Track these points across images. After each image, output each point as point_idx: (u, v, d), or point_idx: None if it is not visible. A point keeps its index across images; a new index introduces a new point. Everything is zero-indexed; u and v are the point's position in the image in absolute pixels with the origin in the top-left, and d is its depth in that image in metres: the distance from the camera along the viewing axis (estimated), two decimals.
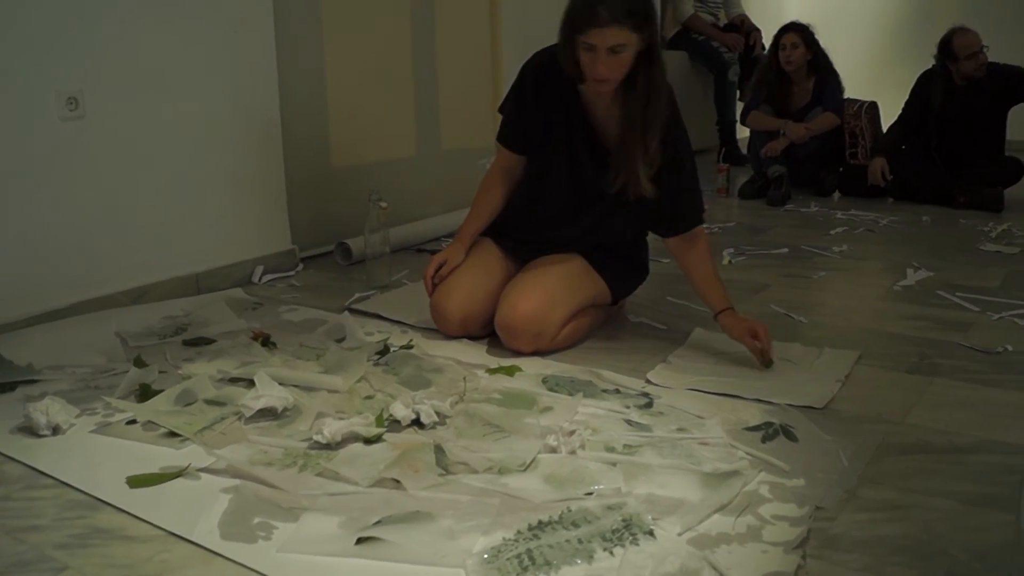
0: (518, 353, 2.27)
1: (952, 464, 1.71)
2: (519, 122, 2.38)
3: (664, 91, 2.18)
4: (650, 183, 2.20)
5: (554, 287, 2.30)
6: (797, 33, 4.75)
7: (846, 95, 4.93)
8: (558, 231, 2.41)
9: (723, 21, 6.34)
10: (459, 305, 2.37)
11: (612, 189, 2.23)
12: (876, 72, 6.88)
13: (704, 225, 2.34)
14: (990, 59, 4.48)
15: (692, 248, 2.32)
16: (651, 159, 2.19)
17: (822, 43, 4.81)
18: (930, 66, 4.68)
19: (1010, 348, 2.35)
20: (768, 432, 1.82)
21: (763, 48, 5.91)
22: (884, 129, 4.89)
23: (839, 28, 6.53)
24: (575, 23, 2.08)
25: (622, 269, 2.47)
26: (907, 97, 4.73)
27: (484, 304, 2.37)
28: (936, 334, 2.48)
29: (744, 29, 6.16)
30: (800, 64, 4.74)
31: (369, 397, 2.00)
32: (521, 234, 2.48)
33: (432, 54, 3.82)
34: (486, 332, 2.39)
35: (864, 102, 4.85)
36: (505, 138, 2.43)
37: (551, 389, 2.04)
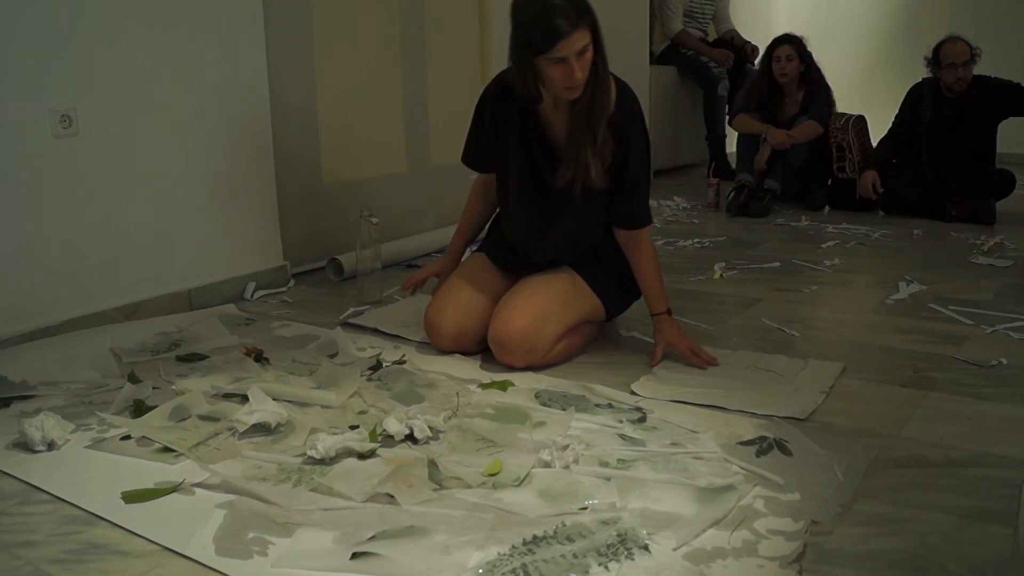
0: (511, 368, 2.27)
1: (947, 478, 1.71)
2: (479, 146, 2.46)
3: (607, 80, 2.20)
4: (602, 174, 2.24)
5: (547, 303, 2.30)
6: (792, 45, 4.79)
7: (836, 109, 4.96)
8: (538, 243, 2.40)
9: (712, 36, 6.37)
10: (454, 321, 2.38)
11: (561, 183, 2.25)
12: (866, 85, 6.92)
13: (650, 226, 2.39)
14: (980, 72, 4.51)
15: (637, 247, 2.37)
16: (600, 150, 2.22)
17: (814, 56, 4.86)
18: (920, 79, 4.71)
19: (1004, 361, 2.36)
20: (762, 446, 1.82)
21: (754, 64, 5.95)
22: (873, 142, 4.91)
23: (829, 41, 6.57)
24: (534, 44, 2.07)
25: (616, 286, 2.46)
26: (897, 110, 4.76)
27: (479, 320, 2.37)
28: (930, 347, 2.49)
29: (735, 43, 6.19)
30: (794, 76, 4.79)
31: (362, 412, 1.99)
32: (508, 253, 2.49)
33: (422, 70, 3.83)
34: (480, 348, 2.39)
35: (852, 116, 4.88)
36: (467, 159, 2.52)
37: (544, 404, 2.04)
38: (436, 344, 2.42)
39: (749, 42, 6.15)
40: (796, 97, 4.87)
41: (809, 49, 4.85)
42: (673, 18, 6.07)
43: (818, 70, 4.89)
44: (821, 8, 7.69)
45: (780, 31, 5.10)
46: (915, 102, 4.69)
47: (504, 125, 2.35)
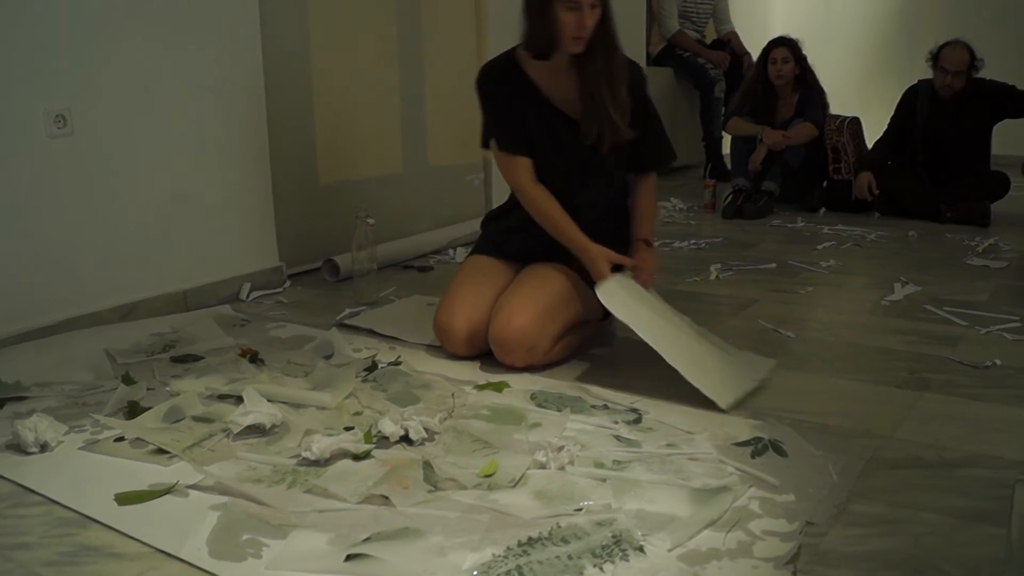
0: (511, 368, 2.27)
1: (942, 479, 1.71)
2: (510, 130, 2.40)
3: (619, 43, 2.33)
4: (628, 126, 2.33)
5: (547, 301, 2.30)
6: (787, 48, 4.80)
7: (831, 110, 4.97)
8: (569, 208, 2.41)
9: (710, 38, 6.38)
10: (465, 321, 2.36)
11: (589, 140, 2.33)
12: (863, 88, 6.93)
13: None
14: (977, 75, 4.52)
15: (647, 185, 2.51)
16: (622, 106, 2.32)
17: (809, 59, 4.87)
18: (916, 81, 4.72)
19: (999, 362, 2.36)
20: (757, 447, 1.82)
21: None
22: (868, 144, 4.92)
23: (826, 44, 6.58)
24: None
25: None
26: (893, 112, 4.76)
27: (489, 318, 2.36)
28: (925, 348, 2.49)
29: (731, 48, 6.19)
30: (789, 78, 4.80)
31: (357, 414, 1.99)
32: (523, 237, 2.49)
33: (419, 71, 3.83)
34: (490, 349, 2.37)
35: (846, 117, 4.89)
36: (510, 145, 2.40)
37: (539, 405, 2.04)
38: (449, 348, 2.39)
39: (747, 54, 6.14)
40: (791, 100, 4.87)
41: (804, 52, 4.85)
42: (669, 19, 6.07)
43: (813, 73, 4.90)
44: (818, 11, 7.70)
45: (776, 33, 5.11)
46: (910, 104, 4.69)
47: (513, 102, 2.39)
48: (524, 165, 2.40)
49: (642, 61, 5.75)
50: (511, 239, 2.52)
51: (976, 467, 1.76)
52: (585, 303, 2.39)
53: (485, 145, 2.48)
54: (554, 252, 2.42)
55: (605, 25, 2.27)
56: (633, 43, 5.60)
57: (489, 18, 4.14)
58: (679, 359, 2.13)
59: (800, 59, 4.82)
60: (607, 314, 2.48)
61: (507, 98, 2.39)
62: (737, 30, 6.39)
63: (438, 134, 3.93)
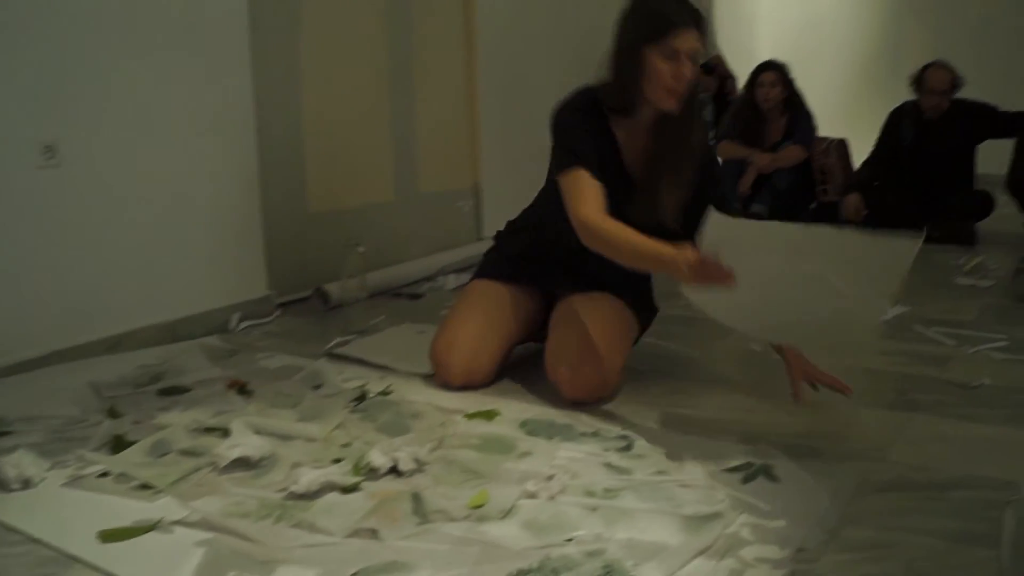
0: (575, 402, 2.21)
1: (933, 501, 1.70)
2: (590, 155, 2.16)
3: (699, 109, 2.22)
4: (678, 211, 2.18)
5: (612, 335, 2.24)
6: (775, 72, 4.84)
7: (819, 133, 5.00)
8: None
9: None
10: (466, 353, 2.33)
11: (633, 218, 2.11)
12: (850, 110, 6.97)
13: None
14: (960, 95, 4.55)
15: None
16: (683, 185, 2.19)
17: (796, 82, 4.90)
18: (902, 102, 4.76)
19: (987, 382, 2.36)
20: (749, 473, 1.81)
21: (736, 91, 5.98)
22: (854, 166, 4.95)
23: (813, 67, 6.61)
24: (653, 30, 2.07)
25: (642, 298, 2.44)
26: (879, 134, 4.79)
27: (491, 357, 2.34)
28: (914, 369, 2.48)
29: (718, 73, 6.22)
30: (777, 102, 4.83)
31: (346, 445, 1.97)
32: (547, 267, 2.41)
33: (410, 98, 3.84)
34: (489, 383, 2.35)
35: (833, 139, 4.91)
36: (589, 163, 2.14)
37: (530, 433, 2.02)
38: (444, 380, 2.35)
39: (731, 77, 6.17)
40: (779, 123, 4.90)
41: (791, 75, 4.89)
42: None
43: (800, 96, 4.94)
44: (804, 34, 7.76)
45: (763, 57, 5.14)
46: (896, 125, 4.73)
47: (594, 142, 2.21)
48: (598, 195, 2.12)
49: None
50: (527, 265, 2.44)
51: (967, 488, 1.75)
52: (634, 326, 2.36)
53: (553, 176, 2.27)
54: (575, 277, 2.36)
55: (694, 86, 2.12)
56: None
57: (480, 46, 4.17)
58: (792, 332, 2.02)
59: (788, 82, 4.86)
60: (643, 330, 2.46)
61: (588, 133, 2.20)
62: (724, 54, 6.42)
63: (429, 161, 3.94)
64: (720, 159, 5.08)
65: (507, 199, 4.42)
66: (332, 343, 2.77)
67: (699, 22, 2.09)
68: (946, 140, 4.55)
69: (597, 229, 2.07)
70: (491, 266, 2.51)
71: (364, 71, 3.62)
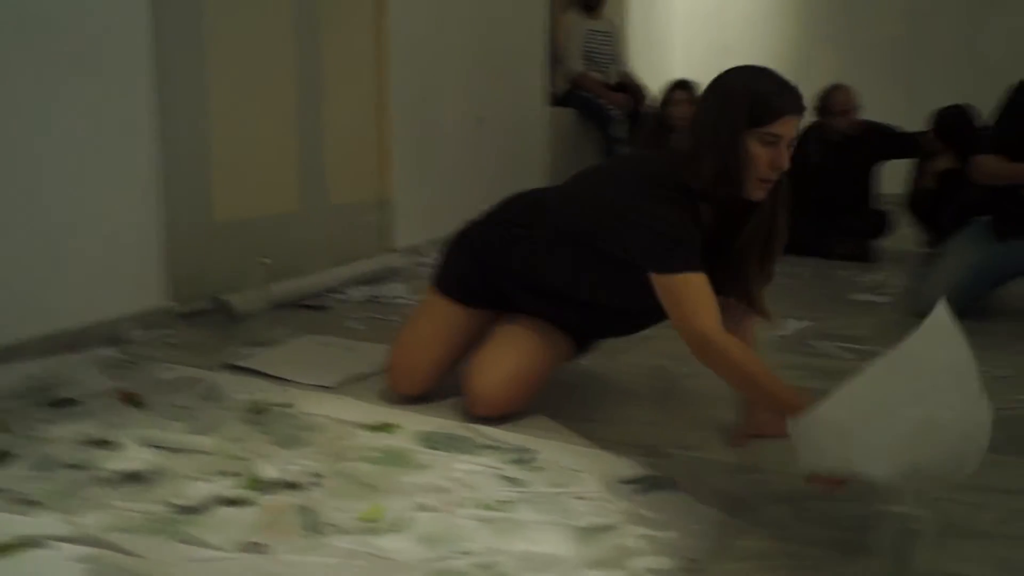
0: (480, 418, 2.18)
1: (822, 512, 1.73)
2: (697, 244, 1.94)
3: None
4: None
5: (537, 360, 2.22)
6: (687, 91, 4.91)
7: None
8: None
9: (613, 79, 6.48)
10: (418, 386, 2.31)
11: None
12: None
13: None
14: (863, 116, 4.69)
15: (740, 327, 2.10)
16: (771, 276, 2.07)
17: None
18: (808, 124, 4.87)
19: None
20: (644, 484, 1.82)
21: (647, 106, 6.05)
22: None
23: None
24: (759, 115, 1.86)
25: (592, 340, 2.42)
26: None
27: (441, 378, 2.31)
28: (813, 383, 2.51)
29: (630, 89, 6.29)
30: (688, 120, 4.88)
31: (240, 458, 1.93)
32: (504, 294, 2.28)
33: (319, 110, 3.80)
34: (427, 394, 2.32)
35: None
36: (701, 266, 1.92)
37: (429, 447, 2.00)
38: (399, 389, 2.33)
39: (639, 89, 6.25)
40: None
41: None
42: (572, 60, 6.15)
43: None
44: (712, 57, 7.88)
45: (676, 73, 5.23)
46: (802, 146, 4.83)
47: (694, 232, 1.97)
48: (716, 306, 1.90)
49: (543, 100, 5.83)
50: (481, 291, 2.31)
51: (856, 500, 1.78)
52: (563, 355, 2.32)
53: (655, 271, 1.94)
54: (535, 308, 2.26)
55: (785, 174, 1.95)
56: (533, 82, 5.69)
57: (392, 59, 4.15)
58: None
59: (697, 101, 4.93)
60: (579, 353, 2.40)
61: (690, 228, 1.94)
62: (637, 73, 6.51)
63: (338, 172, 3.90)
64: None
65: (417, 212, 4.43)
66: (232, 355, 2.72)
67: (802, 109, 1.93)
68: (849, 160, 4.67)
69: (722, 348, 1.84)
70: (453, 284, 2.36)
71: (273, 81, 3.58)
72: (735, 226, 1.99)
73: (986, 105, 3.46)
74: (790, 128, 1.90)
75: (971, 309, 3.34)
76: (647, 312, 2.12)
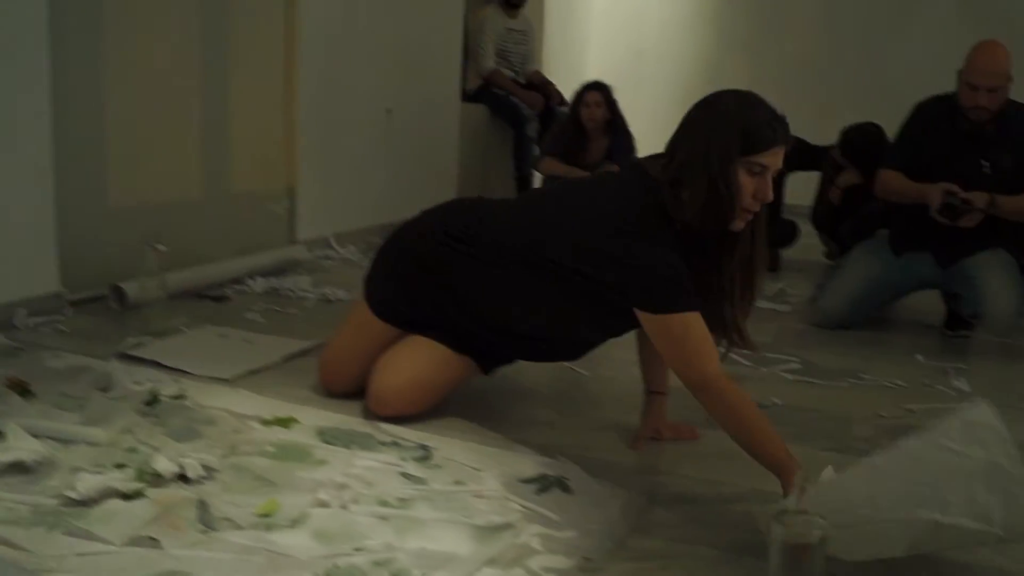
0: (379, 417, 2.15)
1: (717, 514, 1.77)
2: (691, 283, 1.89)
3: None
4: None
5: (441, 369, 2.18)
6: (600, 92, 4.93)
7: (639, 155, 5.14)
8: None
9: (523, 79, 6.49)
10: (346, 389, 2.28)
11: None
12: (669, 134, 7.20)
13: None
14: None
15: None
16: (751, 309, 2.02)
17: (620, 104, 5.02)
18: None
19: (778, 401, 2.47)
20: (543, 484, 1.83)
21: (561, 104, 6.08)
22: None
23: (635, 91, 6.80)
24: (748, 145, 1.81)
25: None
26: None
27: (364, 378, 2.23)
28: None
29: (541, 87, 6.31)
30: (600, 122, 4.93)
31: (132, 450, 1.88)
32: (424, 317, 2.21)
33: (224, 96, 3.72)
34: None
35: None
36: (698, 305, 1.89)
37: (327, 442, 1.98)
38: (328, 388, 2.31)
39: (550, 83, 6.29)
40: (601, 143, 5.00)
41: (615, 97, 5.01)
42: (486, 58, 6.14)
43: (623, 118, 5.06)
44: (627, 60, 7.98)
45: (590, 75, 5.25)
46: None
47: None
48: (711, 342, 1.88)
49: (456, 97, 5.82)
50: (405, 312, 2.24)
51: (749, 502, 1.83)
52: (467, 367, 2.25)
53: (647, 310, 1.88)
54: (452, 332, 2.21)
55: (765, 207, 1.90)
56: (447, 79, 5.67)
57: (300, 45, 4.09)
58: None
59: (611, 104, 4.97)
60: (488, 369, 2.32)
61: (681, 264, 1.88)
62: (552, 74, 6.54)
63: (242, 160, 3.82)
64: (542, 175, 5.16)
65: (323, 204, 4.37)
66: (126, 344, 2.64)
67: (791, 138, 1.90)
68: None
69: (726, 396, 1.80)
70: (385, 303, 2.27)
71: (176, 64, 3.48)
72: (716, 259, 1.95)
73: (892, 124, 3.56)
74: (778, 159, 1.85)
75: (867, 321, 3.46)
76: (582, 344, 2.19)
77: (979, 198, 3.11)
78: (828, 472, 1.64)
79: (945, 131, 3.25)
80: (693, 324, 1.83)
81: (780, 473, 1.66)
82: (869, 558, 1.48)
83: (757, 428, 1.75)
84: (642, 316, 1.88)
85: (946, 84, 3.32)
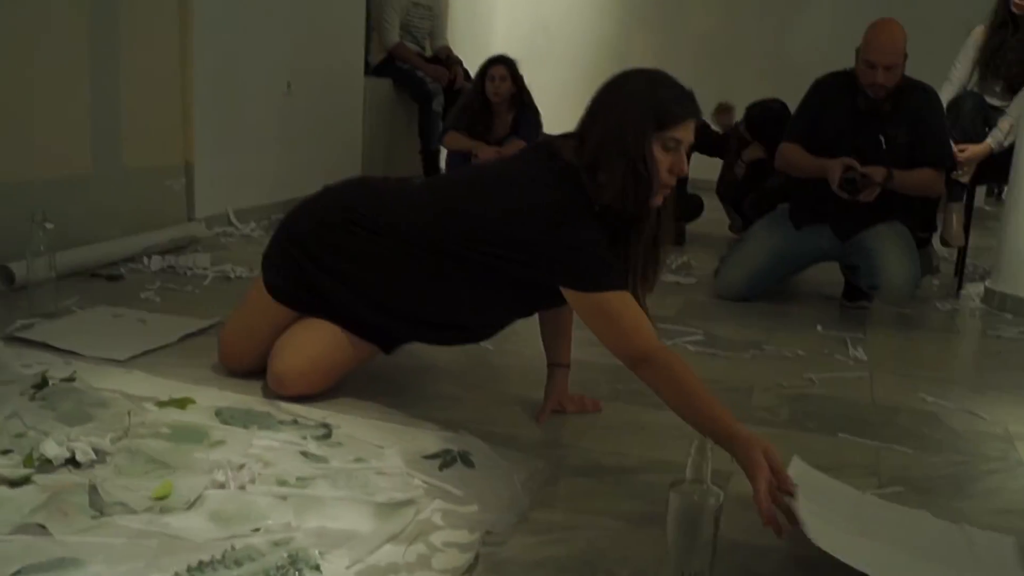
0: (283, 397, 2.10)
1: (619, 484, 1.78)
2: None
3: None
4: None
5: (329, 349, 2.13)
6: (505, 66, 4.91)
7: (544, 130, 5.14)
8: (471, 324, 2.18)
9: (429, 52, 6.43)
10: (245, 368, 2.24)
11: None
12: (575, 109, 7.14)
13: None
14: None
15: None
16: (654, 283, 2.04)
17: (526, 79, 5.01)
18: None
19: None
20: (446, 459, 1.81)
21: (466, 80, 6.04)
22: None
23: (541, 66, 6.80)
24: (660, 121, 1.83)
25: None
26: None
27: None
28: (616, 360, 2.58)
29: (447, 63, 6.27)
30: (505, 96, 4.91)
31: (20, 435, 1.80)
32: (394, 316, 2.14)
33: (114, 67, 3.58)
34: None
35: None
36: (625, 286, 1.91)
37: (224, 422, 1.93)
38: (230, 366, 2.26)
39: (457, 63, 6.24)
40: (507, 118, 4.99)
41: (521, 72, 4.99)
42: (390, 30, 6.07)
43: (528, 93, 5.05)
44: (535, 33, 7.97)
45: (496, 50, 5.23)
46: None
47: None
48: (645, 316, 1.89)
49: (360, 70, 5.74)
50: (325, 302, 2.15)
51: (652, 472, 1.84)
52: (369, 351, 2.22)
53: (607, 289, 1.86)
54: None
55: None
56: (351, 51, 5.58)
57: (196, 14, 3.97)
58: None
59: (517, 78, 4.96)
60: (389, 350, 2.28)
61: (607, 243, 1.92)
62: (457, 48, 6.49)
63: (134, 135, 3.70)
64: (446, 149, 5.13)
65: (221, 179, 4.27)
66: (13, 326, 2.54)
67: (700, 112, 1.93)
68: None
69: (673, 367, 1.78)
70: (286, 290, 2.20)
71: (62, 37, 3.34)
72: (626, 237, 1.96)
73: (794, 100, 3.62)
74: (690, 133, 1.87)
75: (768, 293, 3.53)
76: (497, 327, 2.20)
77: (877, 172, 3.19)
78: (798, 462, 1.71)
79: (844, 107, 3.33)
80: (628, 300, 1.84)
81: (735, 445, 1.60)
82: (833, 552, 1.43)
83: (705, 399, 1.72)
84: (575, 297, 1.88)
85: (846, 61, 3.39)
